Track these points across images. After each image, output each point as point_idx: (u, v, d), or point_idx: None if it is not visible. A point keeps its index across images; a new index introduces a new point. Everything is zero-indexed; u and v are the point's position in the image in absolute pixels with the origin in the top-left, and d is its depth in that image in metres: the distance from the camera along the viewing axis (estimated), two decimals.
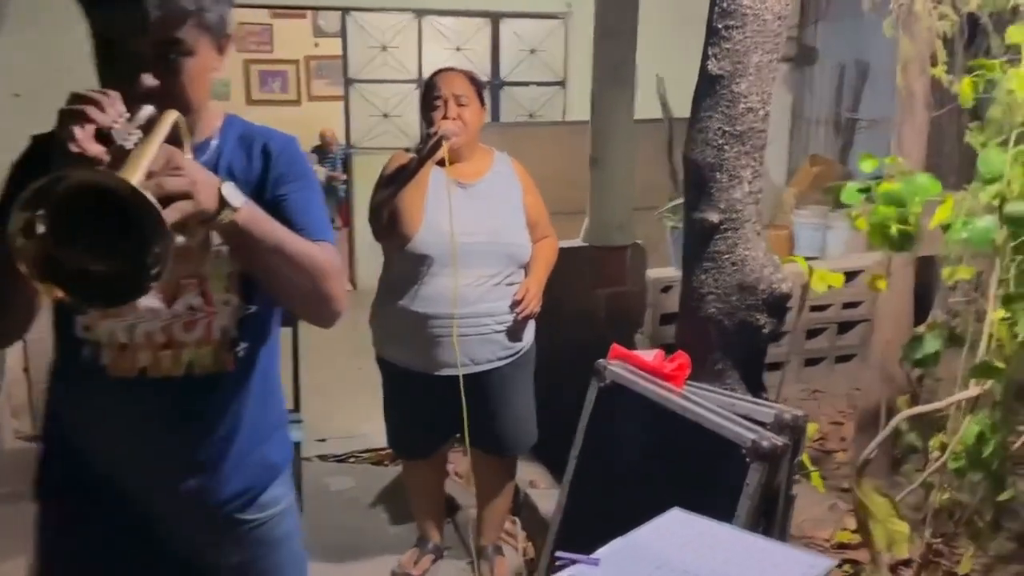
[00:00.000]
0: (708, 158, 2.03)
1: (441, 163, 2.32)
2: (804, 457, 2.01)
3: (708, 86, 1.99)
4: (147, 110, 1.09)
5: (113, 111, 1.02)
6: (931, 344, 2.28)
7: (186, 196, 0.98)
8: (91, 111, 1.00)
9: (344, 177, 7.73)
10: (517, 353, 2.46)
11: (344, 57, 6.49)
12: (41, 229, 0.90)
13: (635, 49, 3.57)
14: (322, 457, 3.59)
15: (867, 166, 2.17)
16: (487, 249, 2.35)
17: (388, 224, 2.30)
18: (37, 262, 0.91)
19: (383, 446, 3.49)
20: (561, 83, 6.92)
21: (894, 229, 2.08)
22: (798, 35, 6.97)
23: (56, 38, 4.35)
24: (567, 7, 6.49)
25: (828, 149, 6.93)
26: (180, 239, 1.01)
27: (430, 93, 2.40)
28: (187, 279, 1.27)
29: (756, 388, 2.18)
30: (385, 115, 6.61)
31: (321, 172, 8.93)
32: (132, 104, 1.09)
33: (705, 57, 1.98)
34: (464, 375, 2.37)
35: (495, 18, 6.69)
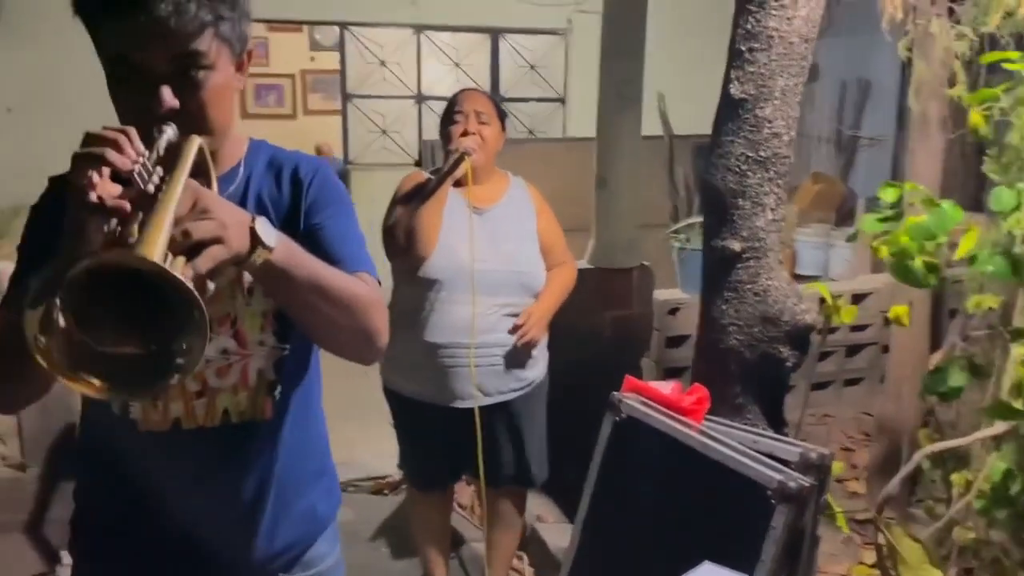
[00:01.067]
0: (730, 184, 1.95)
1: (459, 184, 2.24)
2: (829, 497, 1.93)
3: (730, 110, 1.91)
4: (169, 132, 1.01)
5: (132, 151, 0.92)
6: (956, 378, 2.20)
7: (217, 241, 0.89)
8: (109, 153, 0.90)
9: None
10: (529, 385, 2.37)
11: (342, 72, 6.43)
12: (61, 320, 0.80)
13: (643, 67, 3.51)
14: None
15: (888, 195, 2.09)
16: (499, 277, 2.27)
17: (404, 244, 2.22)
18: (64, 357, 0.80)
19: (383, 474, 3.40)
20: (561, 99, 6.87)
21: (919, 263, 2.00)
22: None
23: (49, 53, 4.27)
24: (567, 23, 6.45)
25: (830, 166, 6.89)
26: (212, 288, 0.92)
27: (451, 109, 2.35)
28: (219, 320, 1.18)
29: (778, 424, 2.09)
30: (383, 131, 6.54)
31: None
32: (152, 126, 1.00)
33: (727, 80, 1.90)
34: (472, 408, 2.28)
35: (495, 34, 6.63)
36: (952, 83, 2.75)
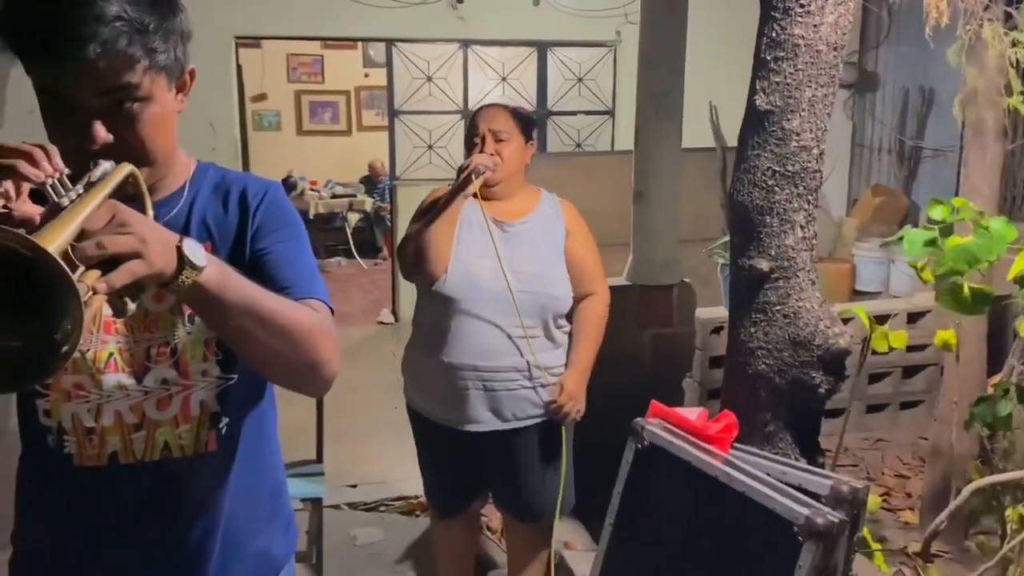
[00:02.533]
0: (756, 200, 1.86)
1: (485, 198, 2.18)
2: (865, 533, 1.81)
3: (756, 122, 1.82)
4: (104, 166, 0.97)
5: (48, 165, 0.89)
6: (1004, 407, 2.05)
7: (135, 255, 0.84)
8: (21, 165, 0.88)
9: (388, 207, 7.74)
10: (551, 411, 2.27)
11: (389, 88, 6.46)
12: None
13: (682, 77, 3.41)
14: (351, 505, 3.45)
15: (937, 212, 1.95)
16: (521, 297, 2.16)
17: (413, 260, 2.16)
18: None
19: (415, 494, 3.36)
20: (610, 112, 6.78)
21: (966, 290, 1.86)
22: (858, 60, 6.73)
23: None
24: (616, 34, 6.37)
25: (891, 178, 6.65)
26: (132, 307, 0.88)
27: (471, 130, 2.28)
28: (158, 349, 1.14)
29: (811, 453, 1.97)
30: (430, 146, 6.55)
31: (368, 203, 8.97)
32: (88, 161, 0.97)
33: (752, 91, 1.81)
34: (492, 432, 2.20)
35: (542, 47, 6.59)
36: (1009, 91, 2.60)
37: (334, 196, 9.06)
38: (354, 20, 5.96)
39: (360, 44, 9.21)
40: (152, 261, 0.85)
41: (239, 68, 6.87)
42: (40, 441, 1.15)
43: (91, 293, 0.80)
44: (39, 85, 1.02)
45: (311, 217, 8.53)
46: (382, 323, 6.51)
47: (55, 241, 0.77)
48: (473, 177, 2.12)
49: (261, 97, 9.55)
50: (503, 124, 2.23)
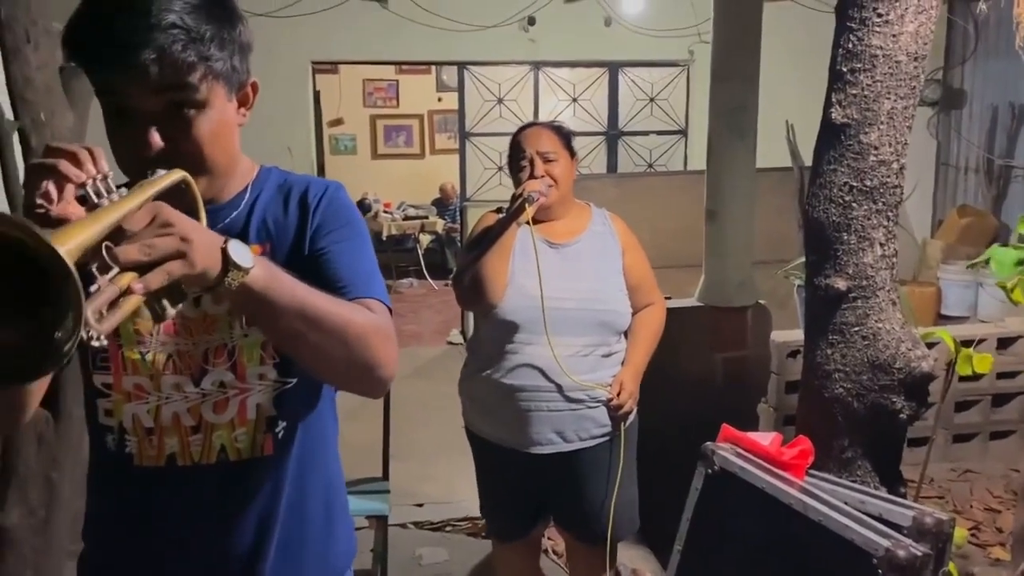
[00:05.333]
0: (833, 217, 1.79)
1: (536, 220, 2.16)
2: (951, 568, 1.70)
3: (832, 136, 1.76)
4: (158, 174, 0.98)
5: (91, 166, 0.90)
6: None
7: (177, 256, 0.83)
8: (62, 164, 0.88)
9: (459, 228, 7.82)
10: (615, 431, 2.23)
11: (461, 111, 6.54)
12: None
13: (756, 95, 3.34)
14: (417, 524, 3.44)
15: None
16: (580, 316, 2.14)
17: (470, 291, 2.14)
18: None
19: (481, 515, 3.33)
20: (682, 132, 6.71)
21: None
22: (943, 77, 6.51)
23: None
24: (689, 53, 6.31)
25: (979, 199, 6.39)
26: (171, 312, 0.86)
27: (515, 153, 2.23)
28: (215, 352, 1.15)
29: (892, 482, 1.88)
30: (499, 168, 6.60)
31: (440, 224, 9.07)
32: (145, 169, 0.98)
33: (828, 104, 1.75)
34: (554, 454, 2.16)
35: (613, 67, 6.58)
36: None
37: (407, 218, 9.19)
38: (427, 44, 6.07)
39: (433, 68, 9.36)
40: (194, 261, 0.84)
41: (316, 94, 7.06)
42: (102, 441, 1.18)
43: (126, 294, 0.79)
44: (101, 93, 1.04)
45: (384, 238, 8.67)
46: (451, 343, 6.55)
47: (72, 238, 0.75)
48: (527, 205, 2.10)
49: (338, 122, 9.78)
50: (550, 144, 2.19)
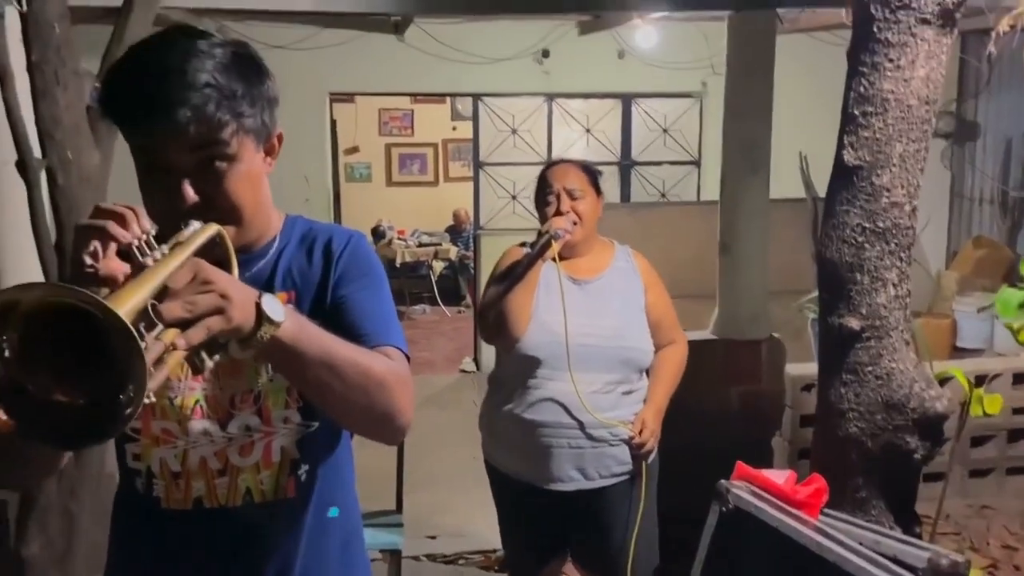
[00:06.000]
0: (846, 257, 1.81)
1: (561, 256, 2.17)
2: None
3: (844, 177, 1.78)
4: (193, 226, 1.02)
5: (136, 227, 0.94)
6: None
7: (217, 312, 0.87)
8: (111, 227, 0.92)
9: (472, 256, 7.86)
10: (636, 470, 2.22)
11: (475, 141, 6.60)
12: (7, 353, 0.79)
13: (770, 128, 3.37)
14: (430, 556, 3.43)
15: None
16: (603, 353, 2.14)
17: (495, 326, 2.16)
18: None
19: (494, 547, 3.32)
20: (695, 162, 6.74)
21: None
22: (956, 110, 6.52)
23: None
24: (702, 85, 6.35)
25: (994, 230, 6.36)
26: (209, 364, 0.91)
27: (542, 188, 2.26)
28: (242, 396, 1.17)
29: (907, 521, 1.88)
30: (513, 196, 6.64)
31: (453, 251, 9.11)
32: (179, 221, 1.02)
33: (841, 146, 1.78)
34: (575, 491, 2.16)
35: (626, 99, 6.63)
36: None
37: (420, 245, 9.24)
38: (443, 76, 6.14)
39: (448, 98, 9.45)
40: (232, 316, 0.88)
41: (333, 123, 7.14)
42: (130, 484, 1.20)
43: (170, 350, 0.83)
44: (136, 149, 1.08)
45: (398, 265, 8.71)
46: (464, 371, 6.55)
47: (127, 303, 0.79)
48: (552, 241, 2.12)
49: (353, 150, 9.88)
50: (576, 181, 2.22)
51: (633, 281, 2.28)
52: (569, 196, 2.19)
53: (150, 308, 0.83)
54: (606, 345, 2.15)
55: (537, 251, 2.13)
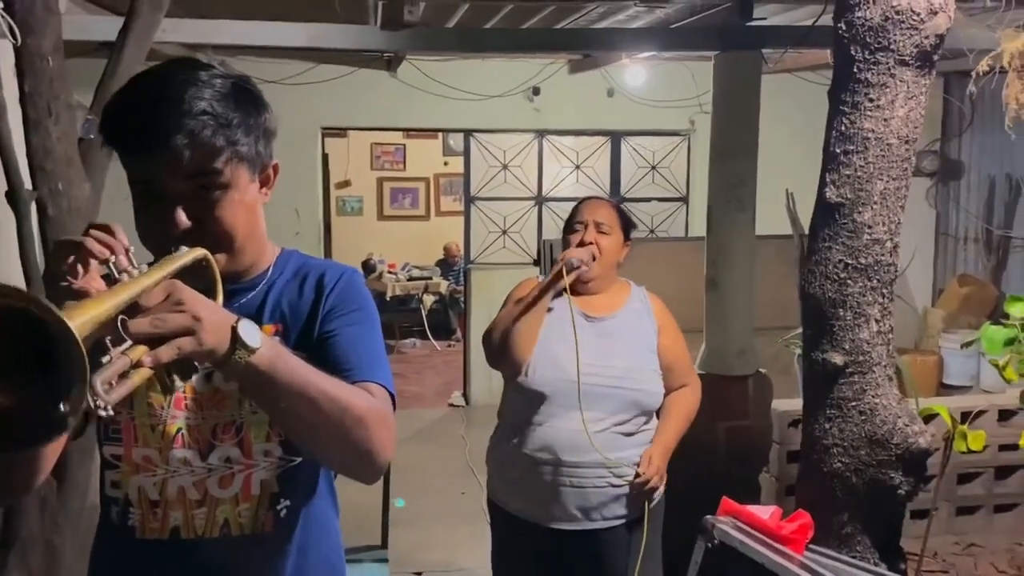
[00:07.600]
0: (829, 293, 1.83)
1: (576, 292, 2.16)
2: None
3: (827, 214, 1.81)
4: (182, 251, 1.03)
5: (114, 242, 0.95)
6: None
7: (187, 332, 0.86)
8: (88, 242, 0.94)
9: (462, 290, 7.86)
10: (641, 512, 2.18)
11: (466, 176, 6.66)
12: None
13: (755, 167, 3.42)
14: None
15: (1017, 310, 1.89)
16: (611, 393, 2.13)
17: (499, 349, 2.15)
18: None
19: None
20: (683, 199, 6.81)
21: None
22: (940, 149, 6.62)
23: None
24: (690, 123, 6.44)
25: (979, 268, 6.43)
26: (180, 384, 0.90)
27: (572, 218, 2.28)
28: (223, 427, 1.17)
29: (892, 557, 1.88)
30: (504, 231, 6.68)
31: (444, 285, 9.12)
32: (171, 246, 1.03)
33: (823, 183, 1.81)
34: (576, 531, 2.13)
35: (616, 136, 6.71)
36: None
37: (411, 278, 9.25)
38: (435, 112, 6.20)
39: (440, 134, 9.54)
40: (203, 339, 0.87)
41: (325, 156, 7.18)
42: (107, 513, 1.20)
43: (136, 366, 0.82)
44: (132, 174, 1.10)
45: (388, 299, 8.71)
46: (453, 405, 6.53)
47: (87, 311, 0.79)
48: (565, 271, 2.12)
49: (345, 184, 9.93)
50: (607, 217, 2.23)
51: (646, 322, 2.26)
52: (596, 229, 2.21)
53: (119, 323, 0.82)
54: (616, 386, 2.14)
55: (549, 280, 2.14)
